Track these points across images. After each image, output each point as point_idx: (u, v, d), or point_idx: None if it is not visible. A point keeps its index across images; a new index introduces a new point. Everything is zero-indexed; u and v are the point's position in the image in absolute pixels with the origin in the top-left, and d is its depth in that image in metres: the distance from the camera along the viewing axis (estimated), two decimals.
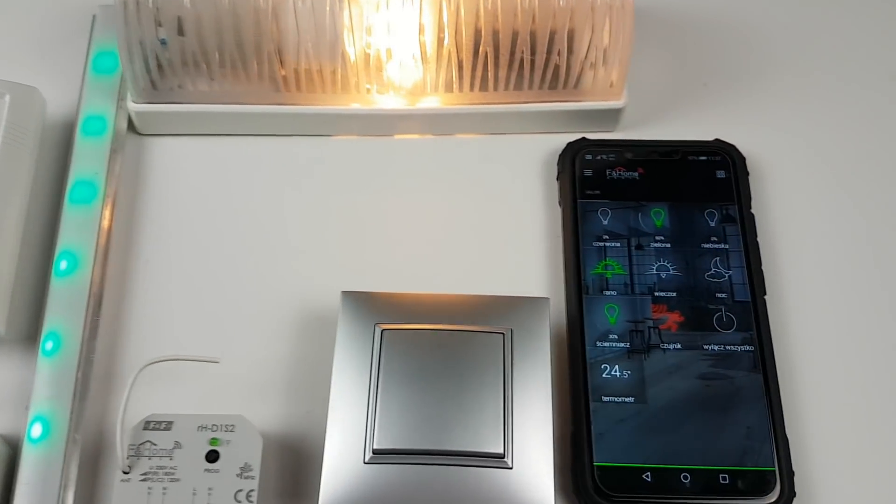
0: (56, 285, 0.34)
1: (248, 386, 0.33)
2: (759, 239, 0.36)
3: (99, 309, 0.34)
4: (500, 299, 0.32)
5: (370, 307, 0.32)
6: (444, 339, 0.31)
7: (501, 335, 0.31)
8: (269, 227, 0.37)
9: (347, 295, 0.32)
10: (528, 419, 0.30)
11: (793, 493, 0.31)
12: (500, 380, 0.30)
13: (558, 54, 0.36)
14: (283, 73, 0.36)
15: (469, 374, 0.30)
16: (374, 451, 0.29)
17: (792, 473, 0.31)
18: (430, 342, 0.31)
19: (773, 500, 0.31)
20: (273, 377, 0.34)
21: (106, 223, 0.36)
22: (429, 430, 0.29)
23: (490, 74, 0.36)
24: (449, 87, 0.37)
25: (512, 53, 0.35)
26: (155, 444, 0.30)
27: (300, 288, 0.35)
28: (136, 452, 0.30)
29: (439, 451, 0.29)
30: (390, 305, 0.32)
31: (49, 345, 0.33)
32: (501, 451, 0.29)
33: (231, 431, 0.30)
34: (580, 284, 0.35)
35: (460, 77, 0.36)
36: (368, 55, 0.36)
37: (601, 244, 0.35)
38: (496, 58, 0.36)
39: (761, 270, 0.35)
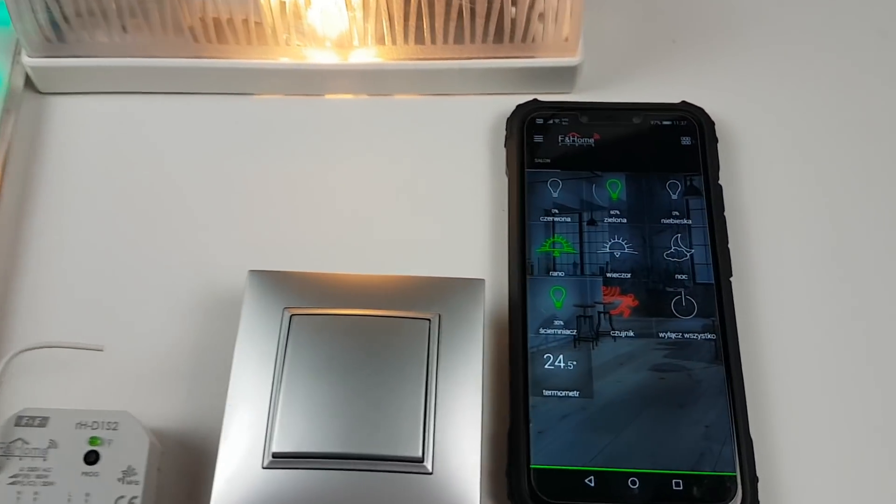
0: None
1: (141, 377, 0.29)
2: (726, 214, 0.32)
3: None
4: (429, 281, 0.29)
5: (280, 289, 0.28)
6: (362, 326, 0.27)
7: (427, 321, 0.27)
8: (180, 197, 0.33)
9: (255, 275, 0.29)
10: (455, 417, 0.26)
11: (756, 501, 0.27)
12: (423, 373, 0.27)
13: (501, 3, 0.31)
14: (189, 22, 0.32)
15: (388, 367, 0.27)
16: (274, 455, 0.26)
17: (755, 479, 0.27)
18: (346, 329, 0.27)
19: None
20: (173, 367, 0.30)
21: None
22: (338, 431, 0.26)
23: (426, 24, 0.32)
24: (380, 40, 0.33)
25: (448, 2, 0.31)
26: (27, 443, 0.26)
27: (207, 267, 0.31)
28: (6, 451, 0.26)
29: (349, 454, 0.25)
30: (304, 287, 0.28)
31: None
32: (420, 454, 0.25)
33: (114, 430, 0.26)
34: (524, 264, 0.31)
35: (391, 27, 0.32)
36: (284, 2, 0.31)
37: (549, 219, 0.32)
38: (431, 5, 0.31)
39: (727, 249, 0.31)
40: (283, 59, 0.34)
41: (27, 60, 0.34)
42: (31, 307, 0.31)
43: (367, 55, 0.34)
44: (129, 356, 0.30)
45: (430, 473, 0.25)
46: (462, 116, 0.35)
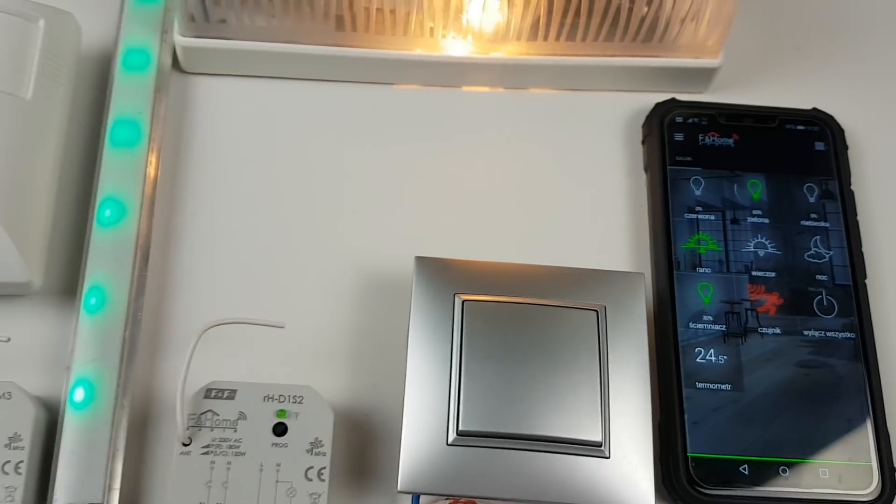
0: (99, 235, 0.31)
1: (308, 355, 0.31)
2: (858, 218, 0.33)
3: (146, 263, 0.31)
4: (590, 273, 0.30)
5: (447, 275, 0.29)
6: (533, 315, 0.28)
7: (595, 312, 0.29)
8: (325, 181, 0.34)
9: (422, 261, 0.30)
10: (626, 406, 0.28)
11: (894, 490, 0.29)
12: (596, 362, 0.28)
13: (660, 4, 0.32)
14: (351, 12, 0.33)
15: (561, 354, 0.28)
16: (460, 433, 0.27)
17: (893, 469, 0.29)
18: (518, 317, 0.28)
19: (873, 497, 0.29)
20: (336, 346, 0.31)
21: (152, 170, 0.33)
22: (519, 413, 0.27)
23: (581, 22, 0.33)
24: (533, 35, 0.34)
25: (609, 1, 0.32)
26: (217, 415, 0.27)
27: (361, 249, 0.32)
28: (197, 423, 0.27)
29: (531, 435, 0.27)
30: (469, 274, 0.29)
31: (93, 300, 0.30)
32: (599, 439, 0.27)
33: (299, 403, 0.27)
34: (671, 259, 0.32)
35: (548, 23, 0.33)
36: None
37: (693, 216, 0.33)
38: (591, 3, 0.32)
39: (861, 252, 0.33)
40: (419, 51, 0.35)
41: (179, 39, 0.34)
42: (189, 287, 0.32)
43: (512, 49, 0.34)
44: (295, 336, 0.31)
45: (608, 458, 0.27)
46: (597, 112, 0.36)
